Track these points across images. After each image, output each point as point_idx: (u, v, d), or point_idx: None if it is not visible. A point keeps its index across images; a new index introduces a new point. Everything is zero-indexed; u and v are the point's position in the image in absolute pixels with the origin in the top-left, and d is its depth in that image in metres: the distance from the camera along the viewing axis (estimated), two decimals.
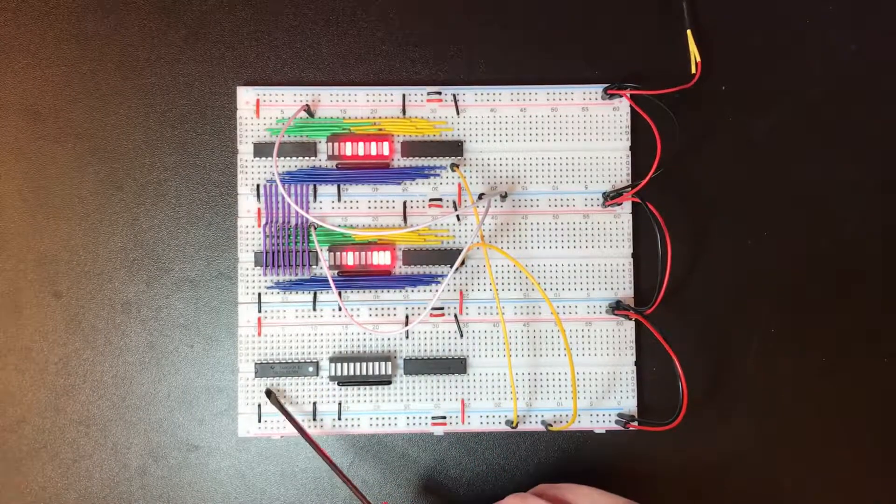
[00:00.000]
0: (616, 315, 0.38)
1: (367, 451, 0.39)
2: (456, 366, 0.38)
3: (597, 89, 0.39)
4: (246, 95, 0.39)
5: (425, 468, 0.39)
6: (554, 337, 0.39)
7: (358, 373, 0.38)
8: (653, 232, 0.37)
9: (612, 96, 0.39)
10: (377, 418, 0.38)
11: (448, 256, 0.38)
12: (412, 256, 0.38)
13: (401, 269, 0.39)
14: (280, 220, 0.38)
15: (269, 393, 0.38)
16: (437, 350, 0.38)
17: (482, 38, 0.40)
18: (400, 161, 0.39)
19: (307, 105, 0.38)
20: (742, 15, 0.40)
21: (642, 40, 0.40)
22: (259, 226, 0.38)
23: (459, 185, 0.39)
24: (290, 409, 0.38)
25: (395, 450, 0.39)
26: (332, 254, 0.38)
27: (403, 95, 0.39)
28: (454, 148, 0.39)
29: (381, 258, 0.38)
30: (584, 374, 0.38)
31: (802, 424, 0.39)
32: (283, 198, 0.38)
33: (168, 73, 0.39)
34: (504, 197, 0.39)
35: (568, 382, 0.38)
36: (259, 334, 0.38)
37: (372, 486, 0.38)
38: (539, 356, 0.39)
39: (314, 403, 0.38)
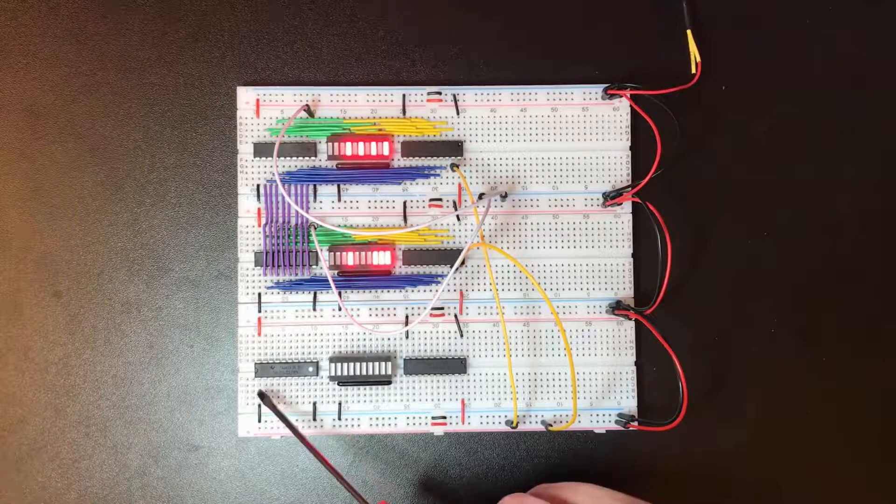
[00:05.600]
0: (616, 315, 0.38)
1: (367, 452, 0.39)
2: (456, 366, 0.38)
3: (597, 89, 0.39)
4: (246, 95, 0.39)
5: (425, 468, 0.39)
6: (554, 337, 0.39)
7: (358, 373, 0.38)
8: (653, 232, 0.37)
9: (612, 96, 0.39)
10: (377, 418, 0.38)
11: (448, 256, 0.38)
12: (412, 256, 0.38)
13: (401, 269, 0.39)
14: (280, 220, 0.38)
15: (262, 395, 0.38)
16: (437, 350, 0.38)
17: (482, 38, 0.40)
18: (400, 161, 0.39)
19: (307, 105, 0.38)
20: (742, 15, 0.40)
21: (642, 40, 0.40)
22: (259, 226, 0.38)
23: (459, 185, 0.39)
24: (288, 409, 0.38)
25: (395, 450, 0.39)
26: (332, 254, 0.38)
27: (403, 95, 0.39)
28: (454, 148, 0.39)
29: (381, 258, 0.38)
30: (584, 374, 0.38)
31: (802, 424, 0.39)
32: (283, 198, 0.38)
33: (168, 73, 0.39)
34: (504, 197, 0.39)
35: (568, 382, 0.38)
36: (259, 334, 0.38)
37: (372, 487, 0.38)
38: (539, 356, 0.39)
39: (314, 403, 0.38)
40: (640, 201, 0.37)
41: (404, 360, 0.38)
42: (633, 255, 0.39)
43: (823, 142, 0.40)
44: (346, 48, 0.40)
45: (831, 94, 0.40)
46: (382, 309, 0.39)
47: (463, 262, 0.38)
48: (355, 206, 0.39)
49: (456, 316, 0.39)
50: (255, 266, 0.38)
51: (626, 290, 0.39)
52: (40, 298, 0.39)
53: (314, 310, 0.38)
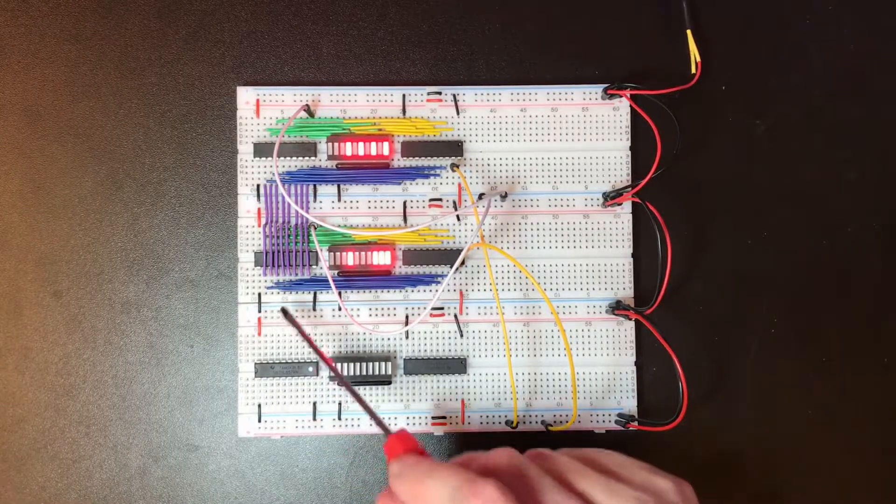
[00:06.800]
0: (616, 315, 0.38)
1: (367, 451, 0.39)
2: (456, 366, 0.38)
3: (597, 89, 0.39)
4: (246, 95, 0.39)
5: None
6: (554, 337, 0.39)
7: (358, 373, 0.38)
8: (653, 232, 0.37)
9: (612, 96, 0.39)
10: None
11: (448, 256, 0.38)
12: (412, 256, 0.38)
13: (401, 269, 0.39)
14: (280, 220, 0.38)
15: (284, 311, 0.36)
16: (437, 350, 0.38)
17: (482, 38, 0.40)
18: (400, 161, 0.39)
19: (307, 105, 0.38)
20: (742, 15, 0.40)
21: (642, 40, 0.40)
22: (259, 226, 0.38)
23: (459, 185, 0.39)
24: (288, 409, 0.38)
25: None
26: (332, 254, 0.38)
27: (403, 95, 0.39)
28: (454, 148, 0.39)
29: (381, 258, 0.38)
30: (584, 374, 0.38)
31: (802, 424, 0.39)
32: (283, 198, 0.38)
33: (168, 73, 0.39)
34: (504, 197, 0.39)
35: (568, 382, 0.38)
36: (259, 334, 0.38)
37: (372, 487, 0.38)
38: (539, 356, 0.39)
39: (314, 403, 0.38)
40: (640, 201, 0.37)
41: (404, 360, 0.38)
42: (633, 255, 0.39)
43: (823, 142, 0.40)
44: (346, 48, 0.40)
45: (831, 94, 0.40)
46: (382, 309, 0.38)
47: (463, 262, 0.38)
48: (355, 206, 0.39)
49: (456, 316, 0.38)
50: (255, 266, 0.38)
51: (626, 290, 0.39)
52: (40, 298, 0.39)
53: (314, 310, 0.38)
